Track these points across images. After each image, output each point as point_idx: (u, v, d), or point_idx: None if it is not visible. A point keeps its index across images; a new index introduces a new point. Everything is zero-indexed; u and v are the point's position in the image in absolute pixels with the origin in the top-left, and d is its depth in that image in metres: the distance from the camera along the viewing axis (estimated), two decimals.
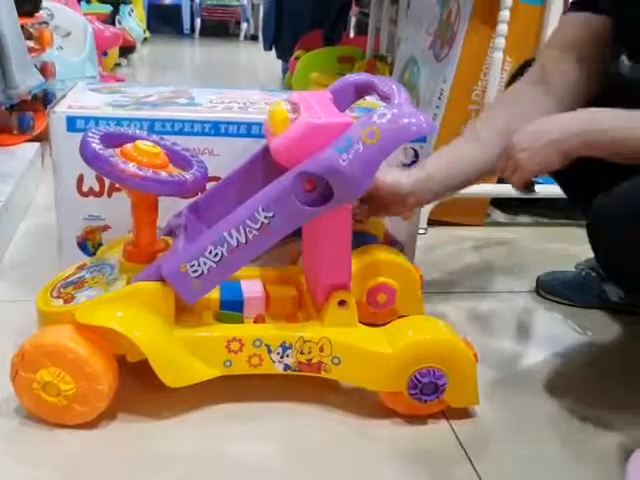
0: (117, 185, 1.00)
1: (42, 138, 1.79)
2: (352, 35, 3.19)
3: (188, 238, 0.84)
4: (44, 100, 1.97)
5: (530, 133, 0.85)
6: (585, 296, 1.21)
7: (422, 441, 0.84)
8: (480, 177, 1.01)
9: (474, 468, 0.80)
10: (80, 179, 1.03)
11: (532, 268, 1.34)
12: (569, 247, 1.48)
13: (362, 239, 1.07)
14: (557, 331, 1.16)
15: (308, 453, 0.81)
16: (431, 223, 1.53)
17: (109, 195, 1.04)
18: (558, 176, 1.13)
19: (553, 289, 1.25)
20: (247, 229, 0.79)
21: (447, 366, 0.84)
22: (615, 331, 1.15)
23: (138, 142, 0.83)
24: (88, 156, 0.80)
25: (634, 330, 1.15)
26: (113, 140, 0.84)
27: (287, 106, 0.82)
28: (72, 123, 0.99)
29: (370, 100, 1.04)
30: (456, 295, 1.25)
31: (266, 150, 0.90)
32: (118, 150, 0.82)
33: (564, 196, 1.18)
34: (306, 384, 0.89)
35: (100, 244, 1.05)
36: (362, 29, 2.94)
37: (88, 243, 1.06)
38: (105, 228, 1.06)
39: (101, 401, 0.80)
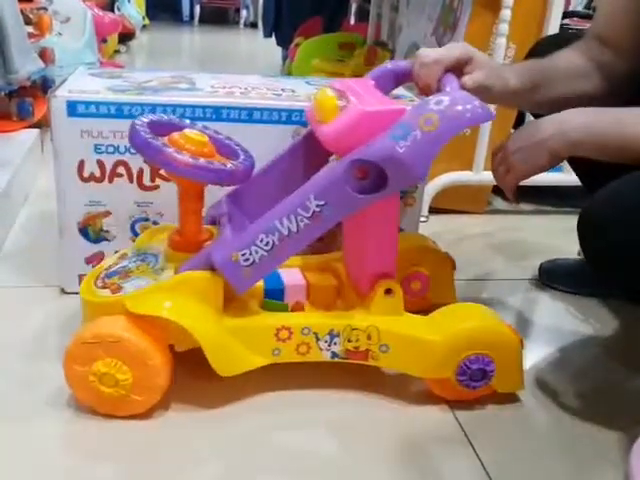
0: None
1: (42, 124, 1.79)
2: (353, 22, 3.17)
3: (235, 227, 0.84)
4: (43, 86, 1.95)
5: (523, 134, 0.85)
6: (587, 284, 1.21)
7: (424, 428, 0.84)
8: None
9: (477, 455, 0.80)
10: (81, 164, 1.02)
11: (534, 256, 1.34)
12: (571, 235, 1.46)
13: None
14: (559, 319, 1.16)
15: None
16: (432, 211, 1.53)
17: (110, 181, 1.03)
18: (577, 167, 1.12)
19: (555, 277, 1.25)
20: (298, 217, 0.79)
21: (495, 352, 0.85)
22: (617, 320, 1.15)
23: (186, 130, 0.83)
24: (139, 145, 0.80)
25: (637, 318, 1.15)
26: (160, 128, 0.84)
27: (334, 93, 0.81)
28: (73, 108, 0.98)
29: None
30: (457, 283, 1.24)
31: (307, 138, 0.90)
32: (166, 139, 0.82)
33: (566, 184, 1.18)
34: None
35: (101, 230, 1.05)
36: (363, 16, 2.91)
37: (89, 229, 1.06)
38: (106, 214, 1.05)
39: (158, 392, 0.80)
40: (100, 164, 1.02)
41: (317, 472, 0.77)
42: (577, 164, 1.12)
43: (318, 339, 0.85)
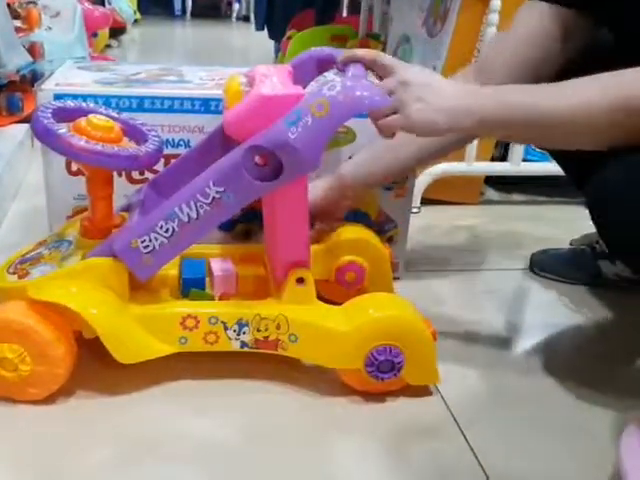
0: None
1: (31, 119, 1.77)
2: (345, 14, 3.16)
3: (142, 213, 0.83)
4: (32, 81, 1.94)
5: (428, 88, 0.77)
6: (580, 273, 1.21)
7: (413, 413, 0.84)
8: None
9: (466, 440, 0.80)
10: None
11: (526, 246, 1.34)
12: (563, 225, 1.47)
13: (353, 217, 1.06)
14: (551, 308, 1.16)
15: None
16: (425, 202, 1.52)
17: None
18: (555, 153, 1.12)
19: (547, 266, 1.25)
20: (198, 204, 0.78)
21: (404, 344, 0.83)
22: (610, 309, 1.15)
23: (91, 116, 0.82)
24: (38, 131, 0.79)
25: (629, 307, 1.15)
26: (67, 115, 0.83)
27: (242, 79, 0.80)
28: (60, 100, 0.97)
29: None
30: (449, 273, 1.25)
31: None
32: (71, 124, 0.81)
33: (558, 174, 1.18)
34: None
35: None
36: (355, 8, 2.90)
37: None
38: None
39: (56, 381, 0.80)
40: None
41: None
42: (561, 159, 1.12)
43: (226, 328, 0.84)
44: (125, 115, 0.90)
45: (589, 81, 0.73)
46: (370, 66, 0.82)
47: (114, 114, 0.88)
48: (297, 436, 0.80)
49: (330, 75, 0.93)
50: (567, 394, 0.91)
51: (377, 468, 0.76)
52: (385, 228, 1.12)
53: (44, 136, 0.79)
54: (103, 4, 3.71)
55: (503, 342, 1.04)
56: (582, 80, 0.74)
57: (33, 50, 1.94)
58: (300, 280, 0.85)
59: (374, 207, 1.11)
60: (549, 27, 0.91)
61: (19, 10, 1.94)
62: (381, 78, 0.81)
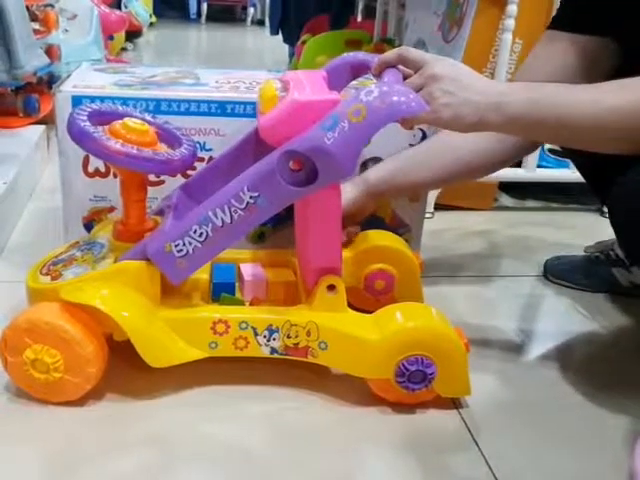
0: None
1: (47, 121, 1.79)
2: (359, 19, 3.16)
3: (176, 217, 0.83)
4: (49, 83, 1.96)
5: (456, 83, 0.76)
6: (594, 280, 1.20)
7: (428, 425, 0.84)
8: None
9: (481, 452, 0.79)
10: (86, 159, 1.02)
11: (540, 252, 1.33)
12: (578, 232, 1.47)
13: (367, 221, 1.06)
14: (565, 316, 1.15)
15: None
16: (438, 207, 1.52)
17: (115, 176, 1.03)
18: (576, 159, 1.11)
19: (561, 273, 1.24)
20: (232, 209, 0.78)
21: (436, 355, 0.82)
22: (624, 316, 1.14)
23: (126, 119, 0.82)
24: (74, 134, 0.79)
25: None
26: (102, 118, 0.83)
27: (277, 84, 0.80)
28: (78, 102, 0.98)
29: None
30: (463, 279, 1.25)
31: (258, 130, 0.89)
32: (106, 127, 0.81)
33: (573, 180, 1.17)
34: (301, 369, 0.88)
35: None
36: (370, 13, 2.91)
37: (94, 224, 1.05)
38: (111, 209, 1.05)
39: (90, 365, 0.79)
40: None
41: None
42: (581, 163, 1.11)
43: (256, 334, 0.83)
44: (160, 119, 0.90)
45: (622, 84, 0.73)
46: (398, 64, 0.81)
47: (149, 118, 0.88)
48: (323, 444, 0.80)
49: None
50: (581, 403, 0.90)
51: (390, 477, 0.75)
52: (399, 232, 1.11)
53: (80, 138, 0.79)
54: (120, 7, 3.74)
55: (516, 350, 1.04)
56: (615, 83, 0.74)
57: (50, 52, 1.95)
58: (331, 287, 0.84)
59: (388, 211, 1.11)
60: (574, 63, 0.90)
61: (37, 13, 1.95)
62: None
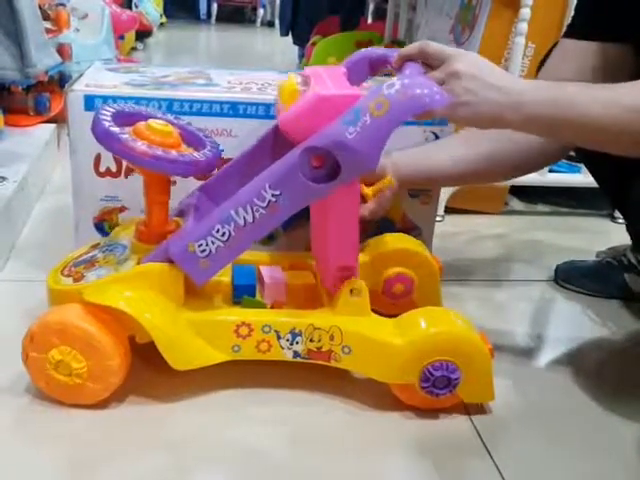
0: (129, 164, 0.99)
1: (58, 120, 1.79)
2: (370, 21, 3.16)
3: (197, 218, 0.83)
4: (60, 82, 1.96)
5: (478, 79, 0.75)
6: (605, 286, 1.20)
7: (439, 431, 0.83)
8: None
9: (493, 460, 0.79)
10: (97, 159, 1.02)
11: (551, 257, 1.33)
12: (589, 236, 1.46)
13: (378, 224, 1.05)
14: (576, 321, 1.14)
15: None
16: (448, 211, 1.51)
17: (126, 176, 1.03)
18: (590, 164, 1.11)
19: (572, 278, 1.23)
20: (254, 207, 0.77)
21: (461, 360, 0.81)
22: (636, 322, 1.13)
23: (151, 121, 0.82)
24: (99, 133, 0.79)
25: None
26: (126, 118, 0.83)
27: (298, 79, 0.79)
28: (90, 102, 0.98)
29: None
30: (473, 283, 1.24)
31: (277, 128, 0.88)
32: (131, 129, 0.81)
33: (584, 185, 1.17)
34: (317, 372, 0.87)
35: (117, 225, 1.05)
36: (380, 15, 2.90)
37: (105, 224, 1.06)
38: (122, 209, 1.05)
39: (113, 376, 0.79)
40: (116, 159, 1.02)
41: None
42: (596, 168, 1.11)
43: (279, 337, 0.83)
44: (184, 120, 0.90)
45: None
46: (419, 57, 0.81)
47: (172, 119, 0.88)
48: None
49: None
50: (593, 410, 0.89)
51: None
52: (409, 235, 1.11)
53: (105, 139, 0.79)
54: (130, 7, 3.75)
55: (527, 355, 1.03)
56: (635, 82, 0.73)
57: (61, 51, 1.96)
58: (354, 291, 0.84)
59: (398, 213, 1.11)
60: (593, 72, 0.90)
61: (49, 12, 1.96)
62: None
